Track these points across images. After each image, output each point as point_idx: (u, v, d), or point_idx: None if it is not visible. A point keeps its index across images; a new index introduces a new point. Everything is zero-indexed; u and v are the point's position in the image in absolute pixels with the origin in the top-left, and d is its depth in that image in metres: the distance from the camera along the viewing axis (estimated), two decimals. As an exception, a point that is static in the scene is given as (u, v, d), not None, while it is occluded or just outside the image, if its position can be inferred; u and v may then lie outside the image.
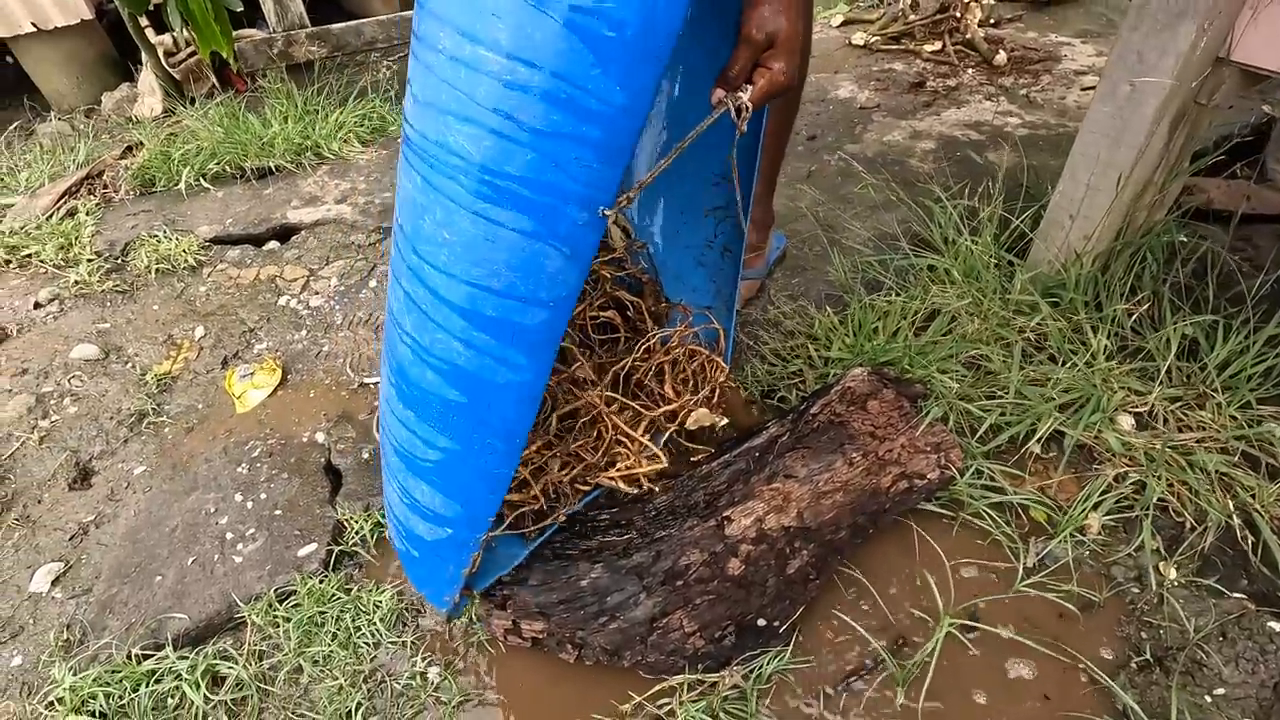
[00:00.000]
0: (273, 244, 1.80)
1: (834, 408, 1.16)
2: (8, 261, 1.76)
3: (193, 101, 2.54)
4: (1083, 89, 2.20)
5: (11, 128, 2.56)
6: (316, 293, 1.65)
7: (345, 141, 2.07)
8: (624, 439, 1.10)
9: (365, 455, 1.30)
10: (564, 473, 1.07)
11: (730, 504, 1.01)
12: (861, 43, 2.47)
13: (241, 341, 1.55)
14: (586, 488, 1.08)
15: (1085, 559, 1.06)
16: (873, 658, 0.97)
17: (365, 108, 2.17)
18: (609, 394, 1.13)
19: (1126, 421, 1.20)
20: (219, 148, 1.98)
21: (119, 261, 1.75)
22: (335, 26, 2.14)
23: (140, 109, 2.58)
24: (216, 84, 2.58)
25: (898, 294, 1.38)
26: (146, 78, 2.59)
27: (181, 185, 1.91)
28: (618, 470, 1.07)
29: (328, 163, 2.03)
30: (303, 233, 1.81)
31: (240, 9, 2.16)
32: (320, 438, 1.34)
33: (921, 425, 1.11)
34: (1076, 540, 1.07)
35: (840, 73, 2.35)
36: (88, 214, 1.85)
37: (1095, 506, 1.09)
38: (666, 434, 1.16)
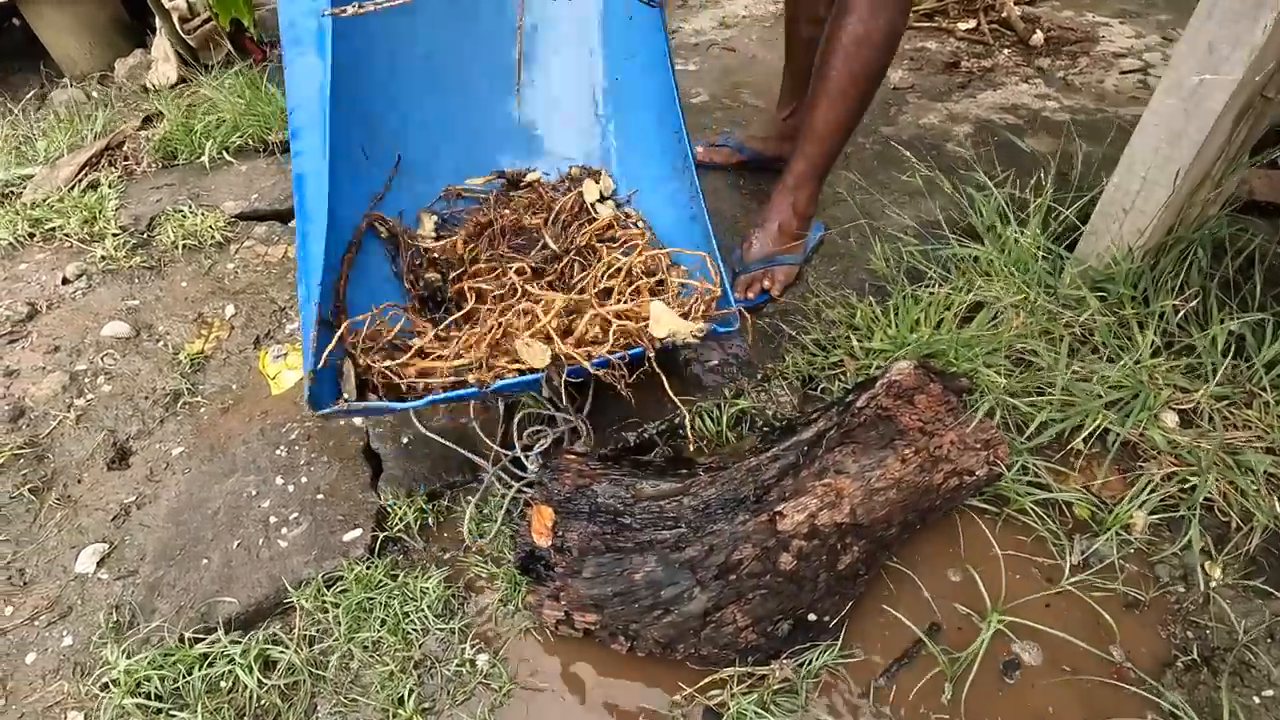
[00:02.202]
0: (299, 221, 1.77)
1: (880, 401, 1.15)
2: (31, 235, 1.73)
3: (208, 69, 2.49)
4: (1122, 72, 2.15)
5: (28, 95, 2.51)
6: (346, 272, 1.62)
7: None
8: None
9: (405, 440, 1.29)
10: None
11: (781, 498, 1.01)
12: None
13: (273, 321, 1.53)
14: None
15: (1130, 557, 1.06)
16: (919, 652, 0.98)
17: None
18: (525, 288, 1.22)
19: (1171, 419, 1.20)
20: (240, 119, 1.94)
21: (144, 236, 1.73)
22: None
23: (155, 76, 2.52)
24: (233, 51, 2.52)
25: (941, 284, 1.37)
26: (160, 44, 2.53)
27: (205, 158, 1.87)
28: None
29: (352, 137, 1.99)
30: (330, 209, 1.78)
31: (261, -26, 2.10)
32: (357, 421, 1.34)
33: (972, 422, 1.10)
34: (1122, 539, 1.08)
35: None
36: (110, 187, 1.82)
37: (1141, 504, 1.09)
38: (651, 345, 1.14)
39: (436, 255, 1.41)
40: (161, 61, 2.54)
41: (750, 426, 1.28)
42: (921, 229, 1.55)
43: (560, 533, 1.03)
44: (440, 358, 1.19)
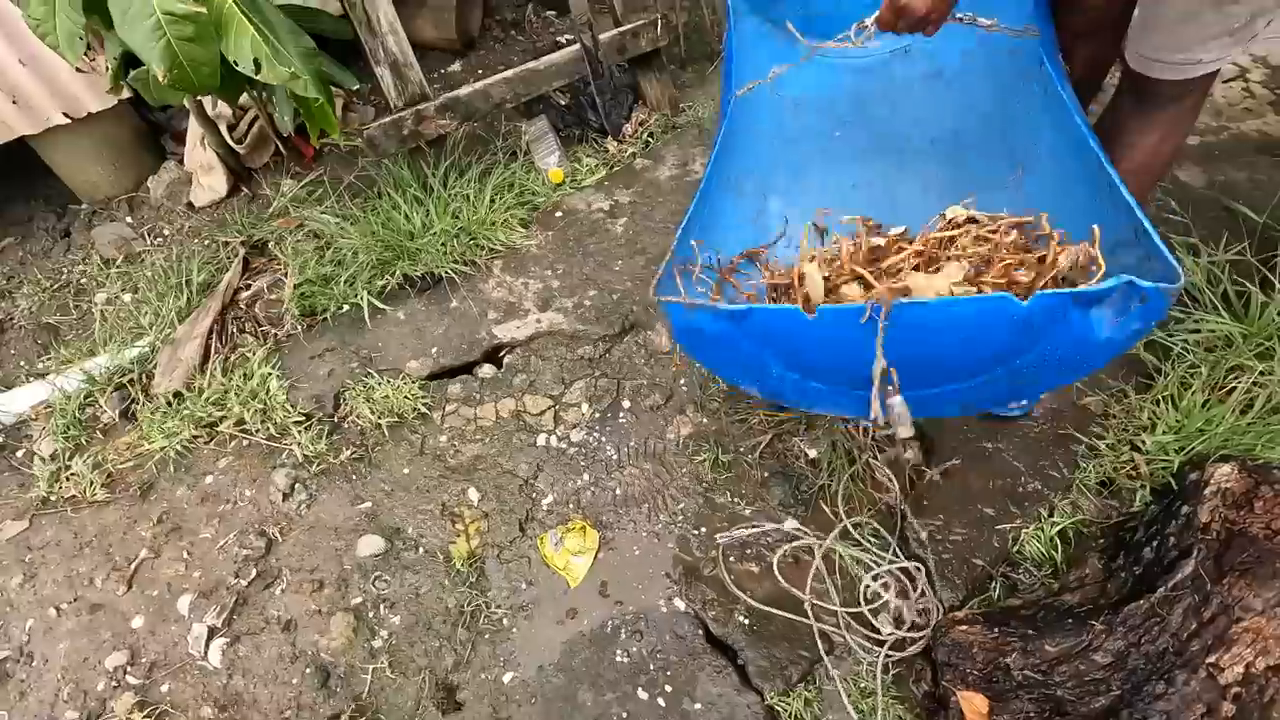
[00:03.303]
0: (487, 369, 1.66)
1: (1221, 513, 1.21)
2: (195, 438, 1.55)
3: (253, 175, 2.25)
4: (1223, 81, 2.22)
5: (41, 230, 2.21)
6: (573, 425, 1.54)
7: (506, 226, 1.88)
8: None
9: (743, 619, 1.27)
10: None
11: (1205, 648, 1.06)
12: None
13: (524, 498, 1.45)
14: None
15: None
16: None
17: (509, 179, 1.97)
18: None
19: None
20: (378, 253, 1.77)
21: (334, 420, 1.58)
22: (463, 92, 1.89)
23: (201, 192, 2.25)
24: (282, 150, 2.27)
25: (1200, 365, 1.42)
26: (198, 156, 2.25)
27: (364, 310, 1.71)
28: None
29: (498, 256, 1.85)
30: (518, 351, 1.67)
31: (357, 86, 1.89)
32: (680, 604, 1.30)
33: (1331, 527, 1.17)
34: None
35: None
36: (264, 362, 1.64)
37: None
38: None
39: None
40: (203, 174, 2.26)
41: (1075, 541, 1.31)
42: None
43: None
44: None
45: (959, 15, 1.21)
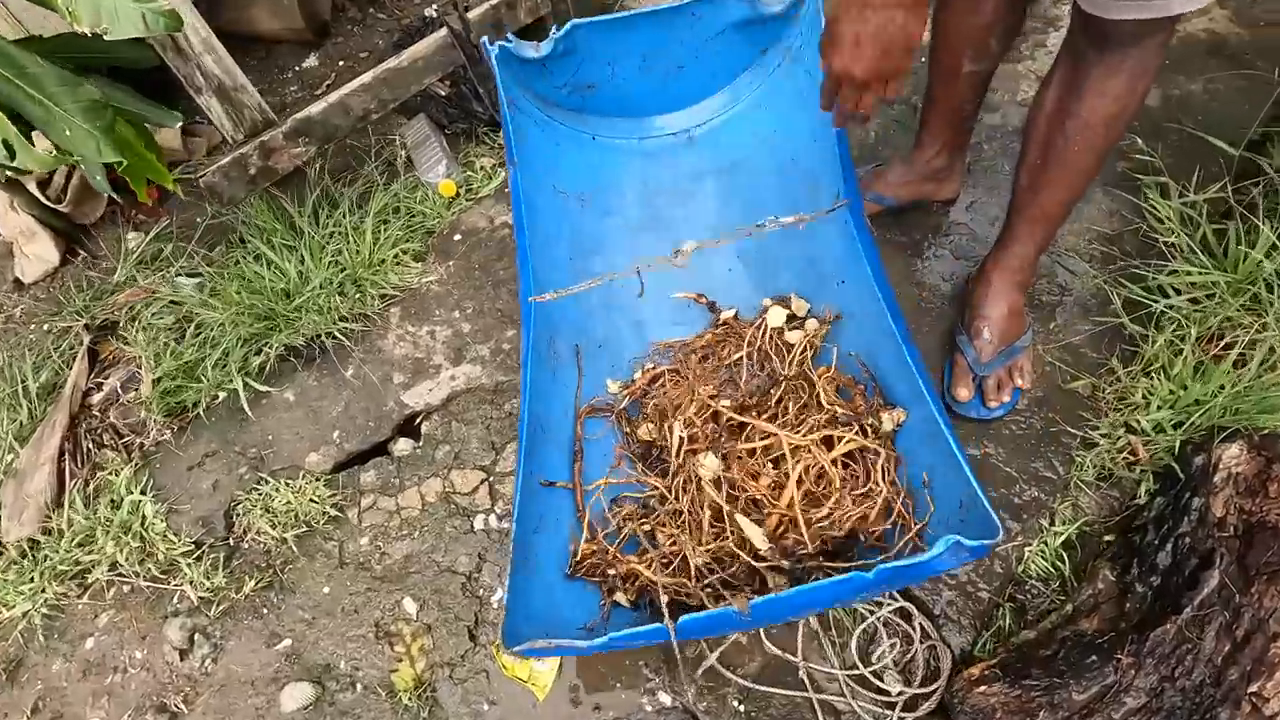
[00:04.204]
0: (402, 445, 1.43)
1: (1236, 504, 1.10)
2: (74, 593, 1.30)
3: (89, 232, 1.89)
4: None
5: None
6: (512, 498, 1.34)
7: (399, 264, 1.61)
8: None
9: (737, 703, 1.12)
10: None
11: (1244, 676, 0.96)
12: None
13: (470, 598, 1.26)
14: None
15: None
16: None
17: (392, 203, 1.68)
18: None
19: None
20: (250, 324, 1.49)
21: (228, 544, 1.33)
22: (316, 110, 1.57)
23: (26, 267, 1.88)
24: (117, 198, 1.90)
25: (1187, 323, 1.29)
26: (13, 221, 1.87)
27: (243, 398, 1.43)
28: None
29: (394, 302, 1.58)
30: (435, 418, 1.44)
31: (181, 122, 1.54)
32: (665, 698, 1.15)
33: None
34: None
35: None
36: (131, 486, 1.37)
37: None
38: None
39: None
40: (25, 242, 1.89)
41: (1080, 547, 1.20)
42: (1106, 249, 1.45)
43: (1036, 792, 0.94)
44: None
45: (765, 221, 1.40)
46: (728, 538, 1.06)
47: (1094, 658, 1.04)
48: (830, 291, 1.32)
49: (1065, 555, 1.18)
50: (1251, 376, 1.21)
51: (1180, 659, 1.00)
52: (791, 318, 1.31)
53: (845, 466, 1.10)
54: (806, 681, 1.13)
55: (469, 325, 1.53)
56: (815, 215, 1.33)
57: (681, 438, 1.15)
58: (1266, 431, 1.18)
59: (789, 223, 1.36)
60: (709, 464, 1.10)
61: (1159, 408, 1.24)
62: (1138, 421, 1.24)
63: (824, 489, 1.07)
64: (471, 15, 1.72)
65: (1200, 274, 1.33)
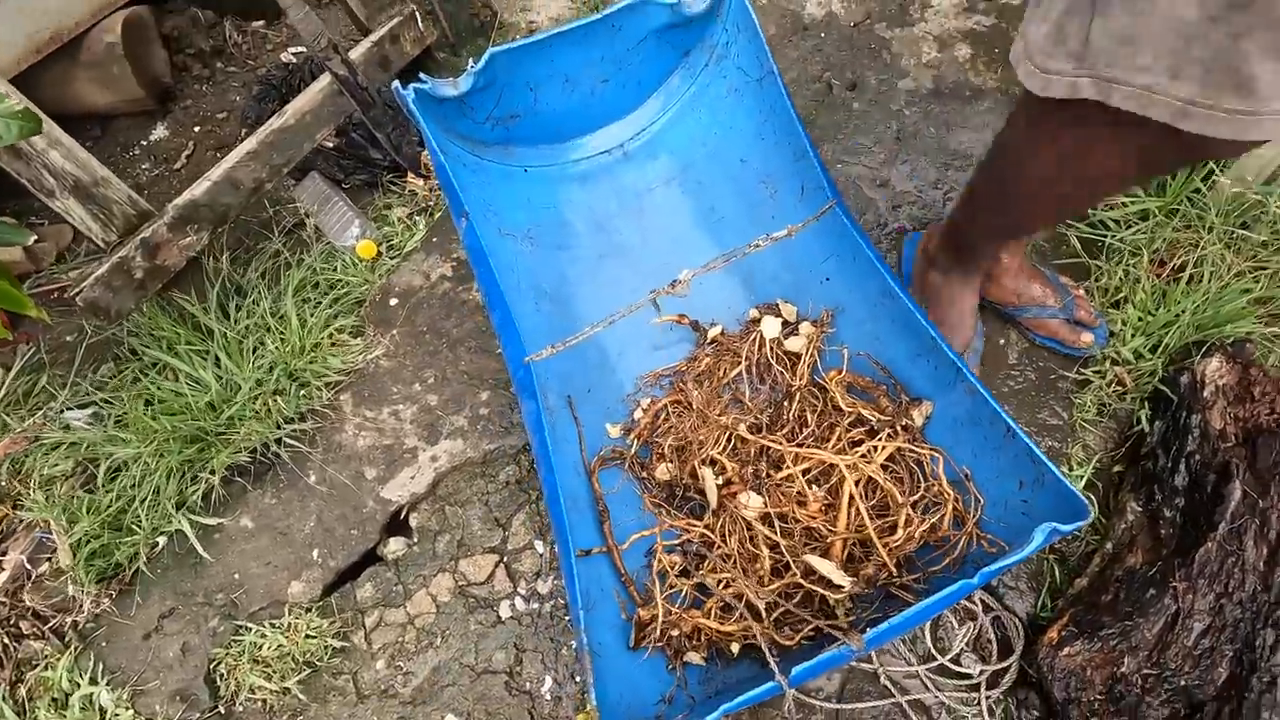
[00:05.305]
0: (395, 546, 1.27)
1: (1230, 413, 1.16)
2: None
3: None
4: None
5: None
6: (535, 573, 1.23)
7: (335, 345, 1.43)
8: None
9: (831, 733, 1.08)
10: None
11: (1289, 577, 1.02)
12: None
13: (518, 696, 1.14)
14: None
15: None
16: None
17: (308, 280, 1.50)
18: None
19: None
20: (168, 452, 1.28)
21: (220, 712, 1.14)
22: (199, 191, 1.35)
23: None
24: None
25: (1131, 253, 1.36)
26: None
27: (191, 540, 1.22)
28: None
29: (343, 389, 1.41)
30: (424, 509, 1.29)
31: (30, 241, 1.29)
32: (756, 747, 1.09)
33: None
34: None
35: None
36: (70, 673, 1.14)
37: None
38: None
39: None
40: None
41: (1101, 487, 1.24)
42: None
43: (1142, 742, 0.96)
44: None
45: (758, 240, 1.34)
46: (792, 573, 1.01)
47: (1152, 591, 1.07)
48: (815, 291, 1.28)
49: (1091, 497, 1.22)
50: (1206, 291, 1.29)
51: (1229, 573, 1.05)
52: (785, 324, 1.26)
53: (890, 473, 1.07)
54: (890, 686, 1.11)
55: (435, 397, 1.39)
56: (805, 223, 1.29)
57: (716, 484, 1.08)
58: (1233, 340, 1.26)
59: (781, 236, 1.32)
60: (753, 503, 1.04)
61: (1134, 335, 1.30)
62: (1119, 352, 1.30)
63: (878, 502, 1.04)
64: (354, 55, 1.55)
65: (1135, 203, 1.40)
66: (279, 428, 1.32)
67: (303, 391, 1.36)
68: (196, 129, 2.00)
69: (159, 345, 1.40)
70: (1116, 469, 1.26)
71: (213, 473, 1.28)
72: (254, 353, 1.37)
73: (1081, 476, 1.22)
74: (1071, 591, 1.14)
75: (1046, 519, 0.86)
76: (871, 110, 1.68)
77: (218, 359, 1.37)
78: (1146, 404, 1.27)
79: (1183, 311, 1.28)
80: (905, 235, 1.45)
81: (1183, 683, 1.00)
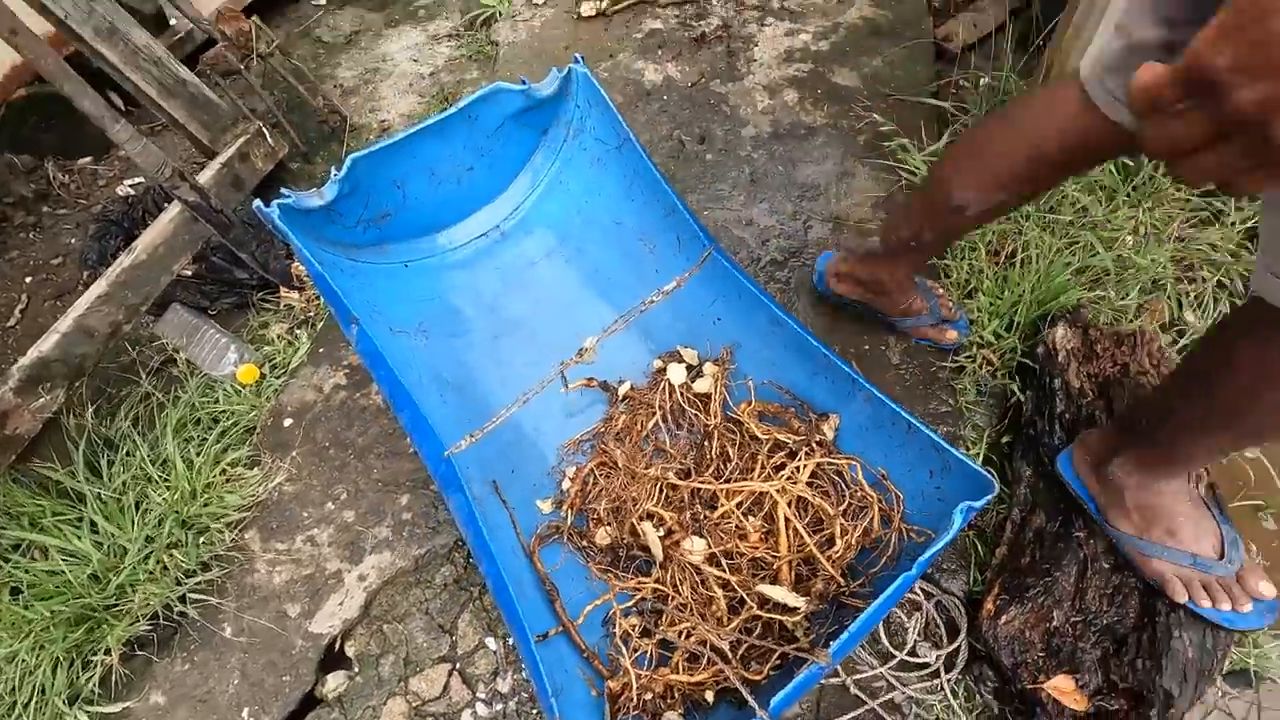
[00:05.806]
0: (335, 681, 1.18)
1: (1082, 371, 1.32)
2: None
3: None
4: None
5: None
6: (493, 672, 1.17)
7: (231, 481, 1.34)
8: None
9: (817, 756, 1.09)
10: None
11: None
12: (593, 12, 2.28)
13: (500, 811, 1.07)
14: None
15: None
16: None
17: (188, 418, 1.40)
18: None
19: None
20: (44, 641, 1.13)
21: None
22: (46, 346, 1.23)
23: None
24: None
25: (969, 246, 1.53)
26: None
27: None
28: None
29: (246, 526, 1.31)
30: (360, 634, 1.21)
31: None
32: (749, 792, 1.08)
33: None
34: None
35: (616, 55, 2.17)
36: None
37: None
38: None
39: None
40: None
41: (996, 461, 1.35)
42: (876, 213, 1.68)
43: (1084, 685, 1.05)
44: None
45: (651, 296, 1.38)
46: (749, 606, 1.03)
47: (1060, 544, 1.17)
48: (710, 332, 1.35)
49: (991, 471, 1.32)
50: (1038, 270, 1.47)
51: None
52: (689, 368, 1.31)
53: (817, 489, 1.12)
54: (860, 695, 1.14)
55: (352, 512, 1.32)
56: (690, 272, 1.36)
57: (659, 535, 1.09)
58: (1070, 308, 1.44)
59: (671, 289, 1.38)
60: (697, 547, 1.06)
61: (990, 319, 1.46)
62: (981, 336, 1.44)
63: (811, 519, 1.09)
64: (204, 179, 1.50)
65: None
66: (179, 584, 1.21)
67: (201, 539, 1.26)
68: (28, 280, 1.84)
69: (19, 524, 1.25)
70: (1005, 440, 1.39)
71: (108, 652, 1.14)
72: (137, 508, 1.26)
73: (979, 454, 1.34)
74: (995, 562, 1.23)
75: (960, 499, 0.94)
76: (723, 159, 1.81)
77: (94, 524, 1.24)
78: (1015, 377, 1.41)
79: (1023, 291, 1.45)
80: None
81: (1105, 622, 1.10)
